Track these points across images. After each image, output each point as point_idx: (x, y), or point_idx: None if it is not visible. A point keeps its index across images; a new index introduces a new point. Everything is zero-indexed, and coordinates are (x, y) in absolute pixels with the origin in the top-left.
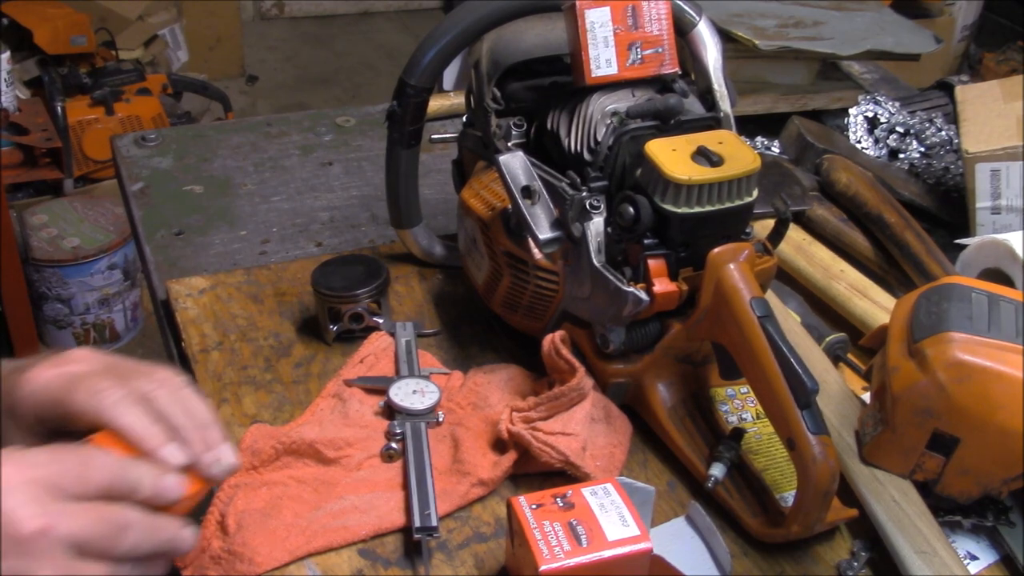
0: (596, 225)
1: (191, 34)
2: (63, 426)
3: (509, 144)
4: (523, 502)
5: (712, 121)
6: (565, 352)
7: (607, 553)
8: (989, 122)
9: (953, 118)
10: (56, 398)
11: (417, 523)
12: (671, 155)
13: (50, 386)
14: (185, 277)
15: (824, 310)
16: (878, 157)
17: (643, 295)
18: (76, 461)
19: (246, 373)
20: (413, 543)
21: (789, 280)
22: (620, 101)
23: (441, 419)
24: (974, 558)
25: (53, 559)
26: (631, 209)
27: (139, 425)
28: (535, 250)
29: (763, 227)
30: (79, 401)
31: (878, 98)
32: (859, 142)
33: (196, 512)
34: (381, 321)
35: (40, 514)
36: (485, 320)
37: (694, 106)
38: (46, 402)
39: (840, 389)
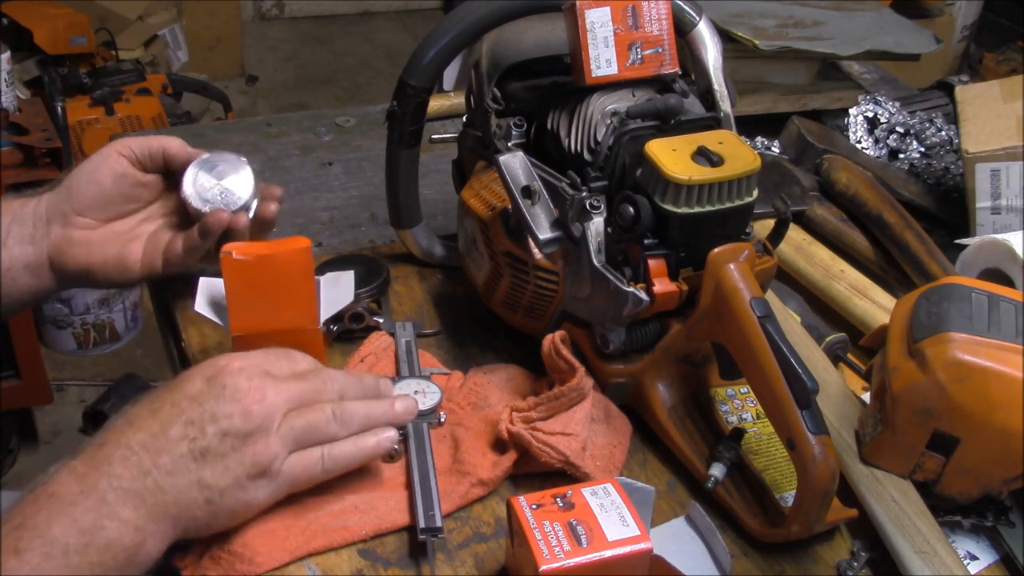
0: (596, 225)
1: (191, 34)
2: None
3: (509, 144)
4: (523, 502)
5: (712, 121)
6: (565, 352)
7: (607, 553)
8: (989, 122)
9: (953, 118)
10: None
11: (422, 524)
12: (671, 155)
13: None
14: (185, 277)
15: (824, 310)
16: (878, 157)
17: (643, 295)
18: (283, 354)
19: None
20: (414, 543)
21: (789, 280)
22: (620, 101)
23: (443, 419)
24: (974, 558)
25: (276, 421)
26: (631, 209)
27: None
28: (535, 250)
29: (763, 227)
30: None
31: (878, 98)
32: (859, 142)
33: None
34: (381, 321)
35: (258, 387)
36: (485, 320)
37: (694, 106)
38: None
39: (840, 389)
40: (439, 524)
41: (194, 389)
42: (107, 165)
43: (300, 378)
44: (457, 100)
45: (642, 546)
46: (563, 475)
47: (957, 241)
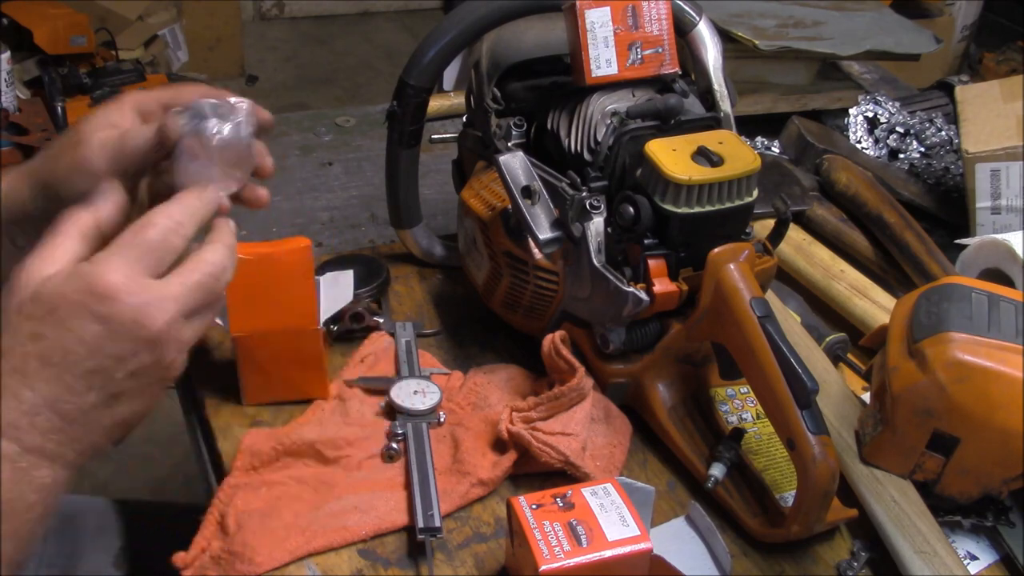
0: (596, 225)
1: (191, 34)
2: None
3: (509, 144)
4: (523, 502)
5: (712, 121)
6: (565, 352)
7: (607, 553)
8: (989, 122)
9: (953, 118)
10: (170, 88)
11: (421, 524)
12: (671, 155)
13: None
14: None
15: (824, 310)
16: (878, 157)
17: (643, 295)
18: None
19: None
20: (413, 543)
21: (789, 280)
22: (620, 101)
23: (443, 419)
24: (974, 558)
25: (178, 324)
26: (631, 209)
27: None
28: (535, 250)
29: (763, 227)
30: (189, 87)
31: (878, 98)
32: (859, 142)
33: (196, 512)
34: (381, 321)
35: (146, 304)
36: (485, 320)
37: (694, 106)
38: (157, 93)
39: (840, 389)
40: (438, 524)
41: (87, 333)
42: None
43: (166, 247)
44: (457, 100)
45: (642, 546)
46: (563, 475)
47: (957, 241)
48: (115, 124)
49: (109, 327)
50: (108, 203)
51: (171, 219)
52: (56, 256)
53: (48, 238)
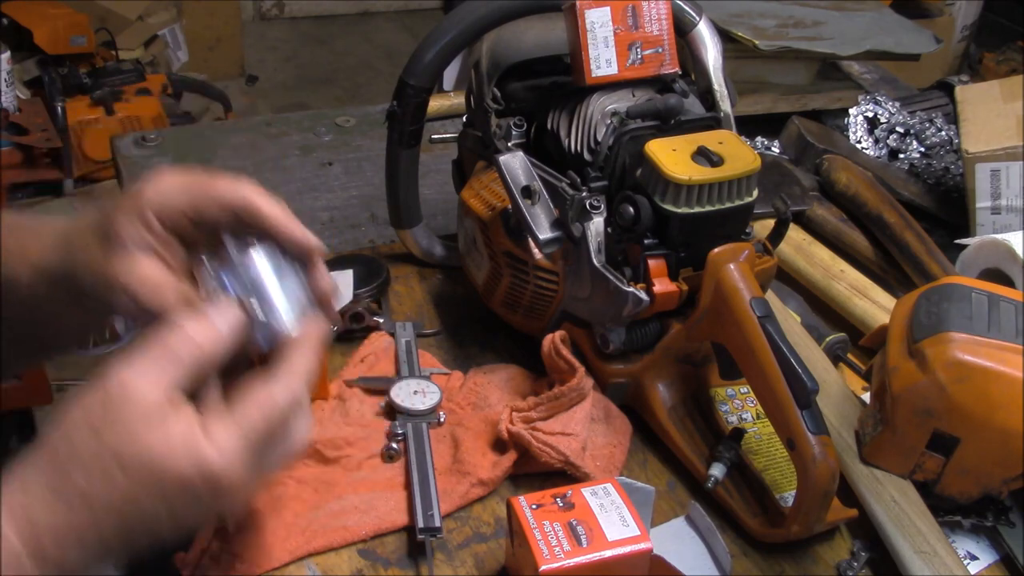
0: (596, 225)
1: (191, 34)
2: (197, 216)
3: (509, 144)
4: (523, 502)
5: (712, 121)
6: (565, 352)
7: (607, 553)
8: (989, 122)
9: (953, 118)
10: (196, 188)
11: (421, 524)
12: (671, 155)
13: (187, 180)
14: None
15: (824, 310)
16: (878, 157)
17: (643, 295)
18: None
19: None
20: (414, 543)
21: (789, 280)
22: (620, 101)
23: (443, 419)
24: (974, 558)
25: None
26: (631, 209)
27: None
28: (535, 250)
29: (763, 227)
30: (221, 186)
31: (878, 98)
32: (859, 142)
33: None
34: (381, 321)
35: (246, 484)
36: (485, 320)
37: (694, 106)
38: (182, 196)
39: (840, 389)
40: (438, 524)
41: (182, 510)
42: None
43: (284, 426)
44: (457, 100)
45: (642, 546)
46: (563, 475)
47: (957, 241)
48: (144, 240)
49: (207, 511)
50: (227, 334)
51: (292, 394)
52: (156, 378)
53: (155, 349)
